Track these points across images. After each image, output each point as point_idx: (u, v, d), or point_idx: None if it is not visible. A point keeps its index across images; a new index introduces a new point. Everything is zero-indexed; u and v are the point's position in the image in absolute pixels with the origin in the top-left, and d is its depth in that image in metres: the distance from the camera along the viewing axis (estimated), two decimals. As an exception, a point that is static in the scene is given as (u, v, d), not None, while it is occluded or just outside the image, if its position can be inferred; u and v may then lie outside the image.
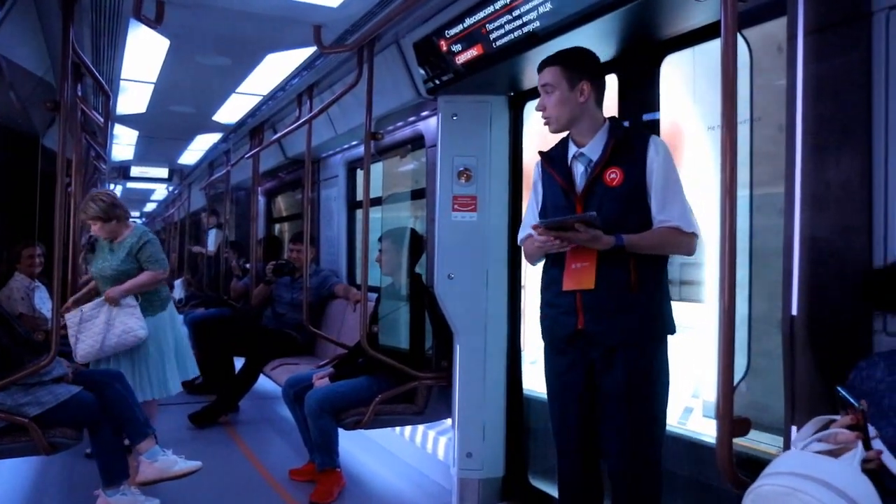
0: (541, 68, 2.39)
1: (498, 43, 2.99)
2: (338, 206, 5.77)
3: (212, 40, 3.84)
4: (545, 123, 2.41)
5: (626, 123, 2.77)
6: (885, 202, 1.80)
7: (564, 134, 2.43)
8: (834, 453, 1.37)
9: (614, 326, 2.25)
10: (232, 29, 3.59)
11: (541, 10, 2.71)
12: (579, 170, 2.37)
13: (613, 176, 2.28)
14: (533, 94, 3.48)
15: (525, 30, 2.82)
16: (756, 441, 2.64)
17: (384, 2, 3.13)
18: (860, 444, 1.32)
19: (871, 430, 1.35)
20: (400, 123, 4.34)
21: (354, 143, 5.19)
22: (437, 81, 3.47)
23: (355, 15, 3.28)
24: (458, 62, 3.27)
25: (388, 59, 3.74)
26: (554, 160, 2.45)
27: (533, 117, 3.62)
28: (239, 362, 5.34)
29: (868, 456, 1.33)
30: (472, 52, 3.16)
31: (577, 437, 2.38)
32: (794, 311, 1.80)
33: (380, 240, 3.94)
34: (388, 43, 3.67)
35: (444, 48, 3.30)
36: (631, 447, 2.25)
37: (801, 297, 1.79)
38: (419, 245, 3.94)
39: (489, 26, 2.99)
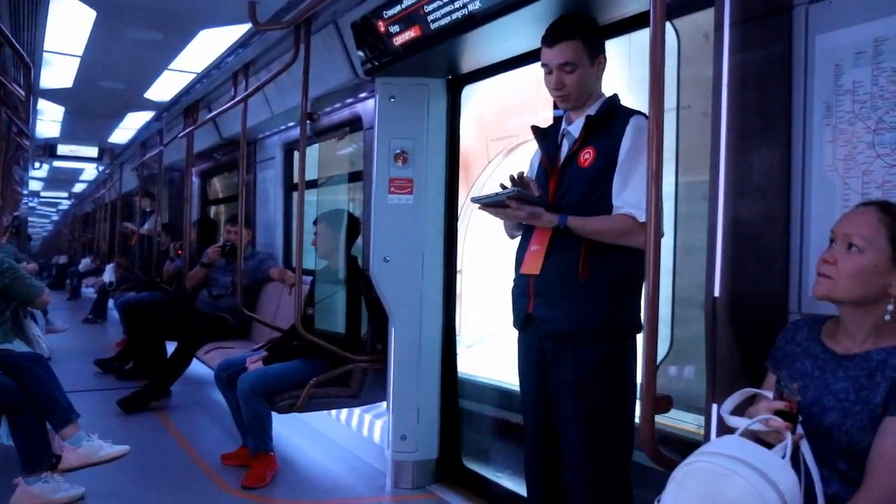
0: (555, 41, 2.20)
1: (436, 24, 2.98)
2: (274, 188, 5.68)
3: (142, 13, 3.71)
4: (560, 99, 2.26)
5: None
6: (802, 189, 1.87)
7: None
8: (766, 437, 1.42)
9: (560, 314, 2.16)
10: (163, 2, 3.48)
11: (479, -7, 2.70)
12: (565, 147, 2.29)
13: (587, 156, 2.18)
14: (471, 77, 3.48)
15: (463, 12, 2.81)
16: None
17: (320, -21, 3.07)
18: (790, 435, 1.36)
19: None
20: (338, 105, 4.29)
21: (291, 124, 5.11)
22: (375, 63, 3.44)
23: (290, -8, 3.22)
24: (395, 43, 3.24)
25: (326, 38, 3.68)
26: (545, 135, 2.36)
27: (471, 100, 3.63)
28: (171, 346, 5.23)
29: (794, 439, 1.38)
30: (410, 34, 3.13)
31: (535, 429, 2.30)
32: (717, 293, 1.85)
33: (315, 222, 3.90)
34: (326, 22, 3.61)
35: (382, 29, 3.27)
36: (587, 457, 2.12)
37: (723, 280, 1.84)
38: (355, 228, 3.92)
39: (427, 7, 2.97)
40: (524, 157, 2.79)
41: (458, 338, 3.60)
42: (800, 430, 1.38)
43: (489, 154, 4.07)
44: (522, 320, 2.30)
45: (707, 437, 1.83)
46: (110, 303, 9.40)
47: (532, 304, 2.23)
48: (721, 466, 1.29)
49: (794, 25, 1.90)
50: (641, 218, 2.02)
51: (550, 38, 2.23)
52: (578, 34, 2.21)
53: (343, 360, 3.57)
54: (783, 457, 1.32)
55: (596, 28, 2.29)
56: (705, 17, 2.12)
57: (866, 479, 1.40)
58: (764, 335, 1.83)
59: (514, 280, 2.34)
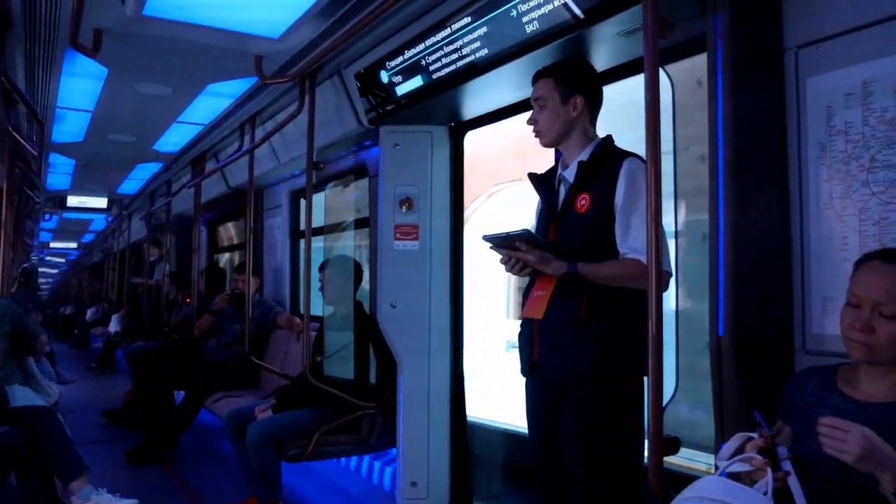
0: (535, 80, 2.32)
1: (437, 74, 3.06)
2: (281, 235, 5.74)
3: (151, 69, 3.80)
4: (535, 136, 2.32)
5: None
6: (801, 228, 1.90)
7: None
8: (752, 475, 1.43)
9: (563, 362, 2.15)
10: (172, 58, 3.58)
11: (478, 42, 2.78)
12: (562, 193, 2.29)
13: (583, 202, 2.18)
14: (473, 123, 3.55)
15: (464, 61, 2.89)
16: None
17: (325, 33, 3.16)
18: (770, 470, 1.38)
19: (783, 452, 1.41)
20: (343, 153, 4.36)
21: (297, 172, 5.19)
22: (379, 112, 3.52)
23: (296, 46, 3.30)
24: (398, 93, 3.33)
25: (330, 89, 3.77)
26: (542, 182, 2.38)
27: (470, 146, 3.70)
28: (179, 397, 5.22)
29: (777, 476, 1.39)
30: (413, 84, 3.22)
31: (545, 473, 2.28)
32: (721, 333, 1.87)
33: (321, 268, 3.93)
34: (330, 74, 3.70)
35: (385, 79, 3.36)
36: (594, 501, 2.11)
37: (726, 320, 1.86)
38: (359, 273, 3.95)
39: (429, 58, 3.06)
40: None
41: (465, 382, 3.59)
42: (787, 466, 1.39)
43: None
44: (528, 367, 2.31)
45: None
46: (118, 353, 9.42)
47: (537, 350, 2.24)
48: None
49: (785, 69, 1.95)
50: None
51: (533, 77, 2.34)
52: (551, 73, 2.28)
53: (352, 408, 3.57)
54: (765, 493, 1.34)
55: (570, 71, 2.31)
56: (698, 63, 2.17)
57: None
58: (770, 373, 1.85)
59: (521, 324, 2.35)
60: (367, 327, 3.71)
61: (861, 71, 1.80)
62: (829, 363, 1.67)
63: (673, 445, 1.65)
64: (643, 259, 2.02)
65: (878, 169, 1.76)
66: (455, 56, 2.93)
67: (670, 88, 2.27)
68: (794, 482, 1.36)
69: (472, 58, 2.85)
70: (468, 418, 3.56)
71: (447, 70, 3.00)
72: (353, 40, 3.11)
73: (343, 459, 4.21)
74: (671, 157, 2.44)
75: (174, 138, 5.48)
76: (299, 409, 3.66)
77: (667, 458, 1.73)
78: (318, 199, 4.65)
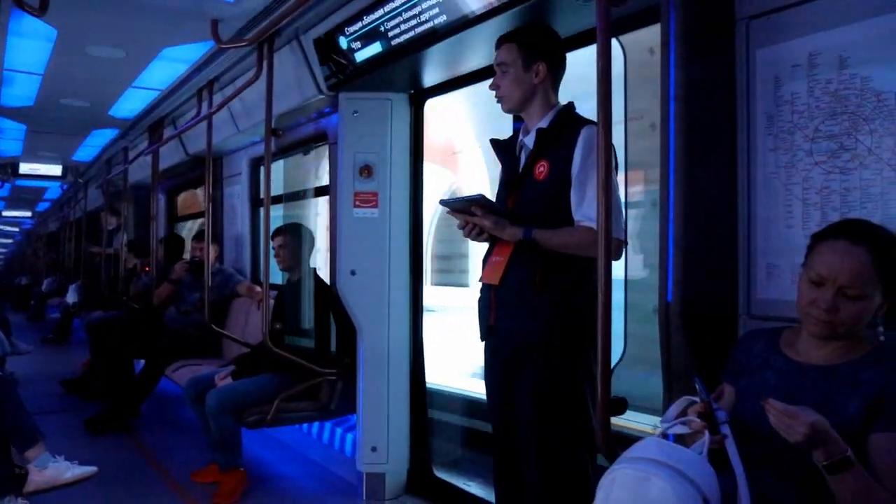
0: (498, 45, 2.32)
1: (396, 40, 3.03)
2: (241, 203, 5.68)
3: (103, 32, 3.71)
4: (498, 101, 2.33)
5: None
6: (748, 196, 1.96)
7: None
8: (693, 437, 1.50)
9: (518, 326, 2.20)
10: (125, 20, 3.49)
11: (438, 8, 2.76)
12: (523, 160, 2.29)
13: (541, 169, 2.20)
14: (433, 91, 3.54)
15: (423, 28, 2.87)
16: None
17: (281, -2, 3.11)
18: (707, 433, 1.45)
19: (721, 416, 1.47)
20: (303, 120, 4.32)
21: (258, 139, 5.12)
22: (338, 78, 3.48)
23: (253, 10, 3.25)
24: (358, 59, 3.30)
25: (289, 55, 3.71)
26: (503, 148, 2.39)
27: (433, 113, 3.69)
28: (139, 365, 5.19)
29: (715, 439, 1.45)
30: (372, 50, 3.19)
31: (502, 435, 2.34)
32: (670, 298, 1.92)
33: (273, 236, 3.92)
34: (289, 39, 3.64)
35: (344, 45, 3.32)
36: (545, 461, 2.16)
37: (675, 286, 1.90)
38: (311, 241, 3.96)
39: (388, 24, 3.03)
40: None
41: (424, 348, 3.63)
42: (725, 429, 1.45)
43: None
44: (485, 331, 2.35)
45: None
46: (75, 323, 9.28)
47: (493, 316, 2.27)
48: (641, 470, 1.37)
49: (736, 40, 1.99)
50: None
51: (497, 41, 2.34)
52: (515, 38, 2.29)
53: (312, 374, 3.59)
54: (701, 453, 1.41)
55: (533, 37, 2.31)
56: (650, 33, 2.19)
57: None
58: (716, 337, 1.90)
59: (480, 289, 2.38)
60: (324, 294, 3.72)
61: (807, 43, 1.84)
62: (773, 326, 1.74)
63: (620, 406, 1.70)
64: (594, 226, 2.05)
65: (821, 139, 1.81)
66: (414, 22, 2.91)
67: (622, 57, 2.29)
68: (730, 445, 1.43)
69: (431, 24, 2.83)
70: (427, 384, 3.60)
71: (406, 36, 2.98)
72: (310, 4, 3.07)
73: (304, 426, 4.24)
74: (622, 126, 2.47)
75: (130, 104, 5.37)
76: (259, 376, 3.67)
77: (617, 420, 1.79)
78: (278, 166, 4.62)
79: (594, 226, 2.00)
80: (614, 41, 1.85)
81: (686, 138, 1.91)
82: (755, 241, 1.94)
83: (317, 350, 3.72)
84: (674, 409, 1.55)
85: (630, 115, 2.41)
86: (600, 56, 1.73)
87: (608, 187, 1.72)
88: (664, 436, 1.51)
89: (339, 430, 4.18)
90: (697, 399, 1.51)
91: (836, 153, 1.78)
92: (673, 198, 1.90)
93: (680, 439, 1.57)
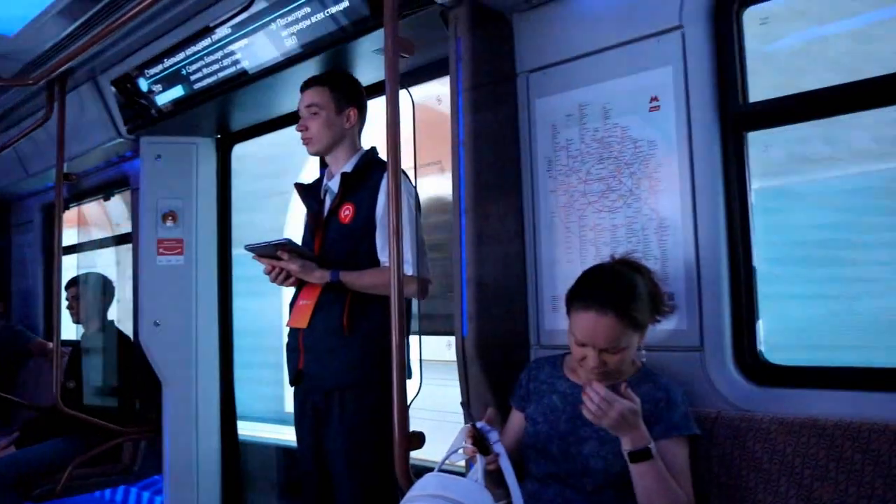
0: (306, 87, 2.33)
1: (199, 84, 2.97)
2: (33, 253, 5.20)
3: None
4: (304, 143, 2.32)
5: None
6: (534, 236, 2.11)
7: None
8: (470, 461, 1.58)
9: (327, 369, 2.19)
10: None
11: (241, 53, 2.74)
12: (328, 203, 2.31)
13: (347, 212, 2.23)
14: (241, 135, 3.49)
15: (227, 72, 2.84)
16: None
17: (73, 35, 2.95)
18: (480, 458, 1.52)
19: (493, 436, 1.55)
20: (102, 164, 4.08)
21: (50, 184, 4.75)
22: (139, 121, 3.34)
23: (38, 47, 3.06)
24: (159, 102, 3.19)
25: (85, 95, 3.51)
26: (308, 192, 2.38)
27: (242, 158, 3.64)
28: None
29: (489, 459, 1.53)
30: (174, 93, 3.10)
31: (313, 481, 2.30)
32: (465, 333, 2.00)
33: (66, 287, 3.65)
34: (84, 79, 3.45)
35: (145, 87, 3.20)
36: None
37: (469, 321, 1.99)
38: (109, 291, 3.73)
39: (190, 68, 2.96)
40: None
41: (237, 400, 3.50)
42: (498, 448, 1.54)
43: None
44: (295, 376, 2.31)
45: (466, 468, 1.96)
46: None
47: (302, 359, 2.25)
48: None
49: (518, 91, 2.16)
50: (409, 271, 2.13)
51: (304, 84, 2.36)
52: (328, 82, 2.33)
53: (112, 434, 3.33)
54: (477, 480, 1.48)
55: (346, 82, 2.38)
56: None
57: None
58: (510, 369, 2.01)
59: (288, 335, 2.36)
60: (125, 348, 3.49)
61: (578, 95, 2.04)
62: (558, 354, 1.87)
63: (418, 440, 1.74)
64: (404, 268, 2.08)
65: (592, 181, 2.00)
66: (217, 66, 2.87)
67: (411, 106, 2.40)
68: (504, 463, 1.51)
69: (234, 69, 2.80)
70: (240, 436, 3.47)
71: (210, 80, 2.93)
72: (105, 44, 2.94)
73: (105, 492, 3.90)
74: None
75: None
76: (47, 442, 3.34)
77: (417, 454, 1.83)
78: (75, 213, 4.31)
79: (405, 267, 2.07)
80: (404, 91, 1.93)
81: (475, 181, 2.03)
82: (541, 275, 2.09)
83: (119, 408, 3.46)
84: (456, 440, 1.61)
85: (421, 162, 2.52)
86: (389, 104, 1.81)
87: (398, 231, 1.77)
88: (443, 469, 1.56)
89: (146, 495, 3.88)
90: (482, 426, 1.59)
91: (605, 193, 1.97)
92: (464, 237, 2.00)
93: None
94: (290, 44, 2.56)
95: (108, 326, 3.65)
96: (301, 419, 2.35)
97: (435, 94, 2.53)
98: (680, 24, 1.84)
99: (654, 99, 1.89)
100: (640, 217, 1.90)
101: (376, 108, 2.70)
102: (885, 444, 1.46)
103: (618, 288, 1.63)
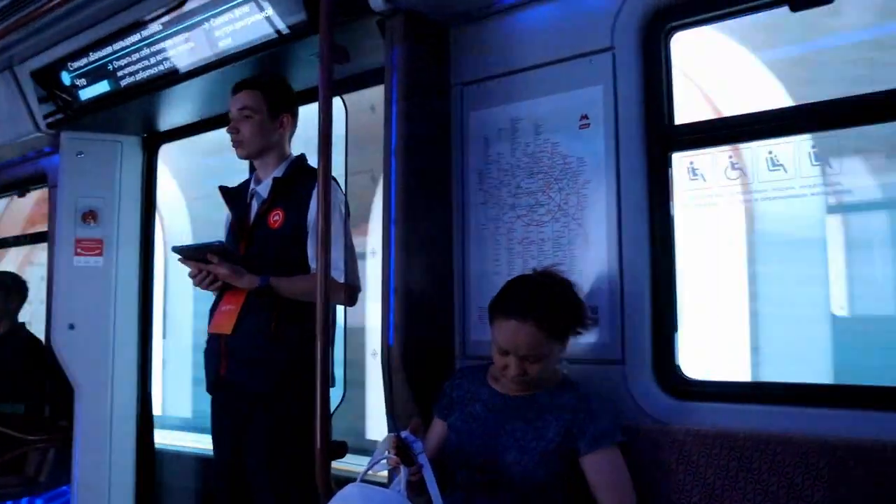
0: (239, 89, 2.29)
1: (126, 81, 2.89)
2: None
3: None
4: (234, 146, 2.29)
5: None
6: (463, 247, 2.12)
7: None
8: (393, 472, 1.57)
9: (254, 376, 2.15)
10: None
11: (172, 51, 2.68)
12: (255, 208, 2.28)
13: (276, 218, 2.21)
14: (169, 135, 3.40)
15: (155, 70, 2.77)
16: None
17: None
18: (403, 468, 1.52)
19: (418, 447, 1.55)
20: (18, 159, 3.90)
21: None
22: (60, 116, 3.22)
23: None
24: (83, 97, 3.07)
25: (1, 85, 3.36)
26: (234, 196, 2.35)
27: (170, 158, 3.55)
28: None
29: (412, 470, 1.53)
30: (99, 89, 3.00)
31: (229, 489, 2.25)
32: (392, 343, 2.00)
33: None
34: (1, 68, 3.30)
35: (67, 81, 3.08)
36: None
37: (396, 331, 1.98)
38: (20, 291, 3.57)
39: (117, 63, 2.87)
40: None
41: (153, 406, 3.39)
42: (422, 459, 1.53)
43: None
44: (214, 383, 2.26)
45: (389, 479, 1.94)
46: None
47: (225, 365, 2.20)
48: None
49: (452, 103, 2.18)
50: (340, 279, 2.12)
51: (236, 87, 2.32)
52: (261, 87, 2.30)
53: (15, 443, 3.17)
54: (400, 491, 1.48)
55: (281, 88, 2.36)
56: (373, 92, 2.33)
57: None
58: (435, 378, 2.01)
59: (207, 339, 2.30)
60: (35, 351, 3.34)
61: (511, 110, 2.07)
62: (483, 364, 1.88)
63: (340, 450, 1.72)
64: (335, 275, 2.08)
65: (521, 195, 2.03)
66: (146, 63, 2.79)
67: (344, 114, 2.39)
68: (427, 473, 1.51)
69: (163, 67, 2.73)
70: (157, 445, 3.36)
71: (137, 77, 2.85)
72: (26, 33, 2.83)
73: (8, 504, 3.70)
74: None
75: None
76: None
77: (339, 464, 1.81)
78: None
79: (335, 274, 2.07)
80: (337, 99, 1.93)
81: (406, 191, 2.03)
82: (469, 286, 2.10)
83: (26, 415, 3.30)
84: (380, 449, 1.60)
85: (352, 170, 2.51)
86: (322, 111, 1.80)
87: (326, 238, 1.76)
88: (366, 480, 1.55)
89: (53, 506, 3.71)
90: (406, 436, 1.58)
91: (534, 208, 2.00)
92: (393, 246, 2.00)
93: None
94: (225, 44, 2.52)
95: (17, 328, 3.48)
96: (220, 427, 2.29)
97: (369, 103, 2.53)
98: (611, 46, 1.89)
99: (585, 117, 1.93)
100: (568, 232, 1.94)
101: (310, 114, 2.69)
102: (789, 455, 1.52)
103: (538, 298, 1.67)
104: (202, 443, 3.42)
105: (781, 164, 1.90)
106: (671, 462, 1.67)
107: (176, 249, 2.19)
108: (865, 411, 1.55)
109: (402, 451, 1.51)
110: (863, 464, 1.43)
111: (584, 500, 1.63)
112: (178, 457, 3.47)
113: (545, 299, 1.66)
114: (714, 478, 1.60)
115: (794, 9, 1.69)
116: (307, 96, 2.60)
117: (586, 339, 1.83)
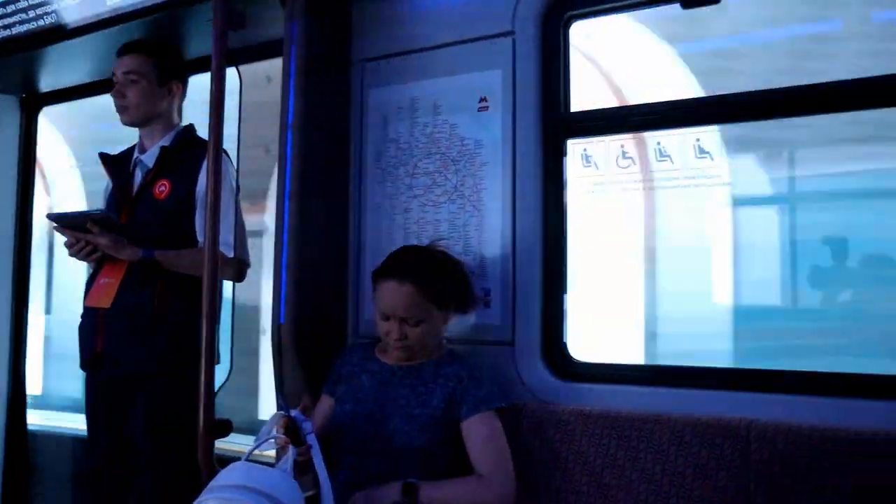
0: (125, 52, 2.22)
1: (2, 34, 2.68)
2: None
3: None
4: (119, 111, 2.21)
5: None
6: (359, 226, 2.10)
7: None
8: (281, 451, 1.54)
9: (134, 353, 2.07)
10: None
11: (55, 5, 2.51)
12: (138, 177, 2.20)
13: (162, 188, 2.14)
14: (52, 97, 3.19)
15: (38, 24, 2.58)
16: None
17: None
18: (291, 448, 1.50)
19: (307, 427, 1.53)
20: None
21: None
22: (-77, 69, 2.95)
23: None
24: (-49, 48, 2.83)
25: None
26: (115, 163, 2.26)
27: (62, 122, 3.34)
28: None
29: (300, 451, 1.50)
30: (-28, 40, 2.76)
31: (108, 470, 2.18)
32: (283, 321, 1.95)
33: None
34: None
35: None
36: (161, 498, 2.07)
37: (287, 308, 1.94)
38: None
39: (-7, 14, 2.66)
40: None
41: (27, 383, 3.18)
42: (311, 439, 1.51)
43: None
44: (90, 360, 2.17)
45: (277, 457, 1.91)
46: None
47: (101, 341, 2.12)
48: (226, 500, 1.37)
49: (352, 79, 2.14)
50: (229, 253, 2.07)
51: (122, 49, 2.24)
52: (149, 51, 2.23)
53: None
54: (286, 470, 1.45)
55: (171, 54, 2.30)
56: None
57: (483, 471, 1.62)
58: (326, 358, 1.98)
59: (82, 314, 2.20)
60: None
61: (410, 89, 2.06)
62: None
63: (224, 429, 1.68)
64: (223, 249, 2.02)
65: (419, 175, 2.03)
66: (25, 16, 2.61)
67: (239, 85, 2.32)
68: (315, 453, 1.49)
69: (45, 21, 2.56)
70: (29, 426, 3.17)
71: (15, 31, 2.65)
72: None
73: None
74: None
75: None
76: None
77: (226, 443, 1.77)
78: None
79: (221, 248, 1.97)
80: (232, 69, 1.86)
81: (302, 166, 1.98)
82: (364, 266, 2.08)
83: None
84: (267, 427, 1.57)
85: (246, 143, 2.43)
86: (214, 80, 1.73)
87: (215, 211, 1.70)
88: (251, 459, 1.51)
89: None
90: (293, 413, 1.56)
91: (430, 188, 2.00)
92: (287, 223, 1.95)
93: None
94: (114, 1, 2.38)
95: None
96: (97, 405, 2.22)
97: (265, 74, 2.45)
98: (512, 30, 1.90)
99: (484, 100, 1.94)
100: (463, 213, 1.95)
101: (202, 83, 2.59)
102: (664, 434, 1.60)
103: (419, 262, 1.72)
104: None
105: (668, 155, 1.98)
106: (555, 441, 1.72)
107: (51, 217, 2.07)
108: (735, 392, 1.64)
109: (292, 430, 1.48)
110: (730, 440, 1.52)
111: (466, 468, 1.66)
112: (53, 438, 3.29)
113: (425, 264, 1.72)
114: (595, 456, 1.67)
115: (686, 6, 1.76)
116: (202, 65, 2.50)
117: (479, 322, 1.86)
